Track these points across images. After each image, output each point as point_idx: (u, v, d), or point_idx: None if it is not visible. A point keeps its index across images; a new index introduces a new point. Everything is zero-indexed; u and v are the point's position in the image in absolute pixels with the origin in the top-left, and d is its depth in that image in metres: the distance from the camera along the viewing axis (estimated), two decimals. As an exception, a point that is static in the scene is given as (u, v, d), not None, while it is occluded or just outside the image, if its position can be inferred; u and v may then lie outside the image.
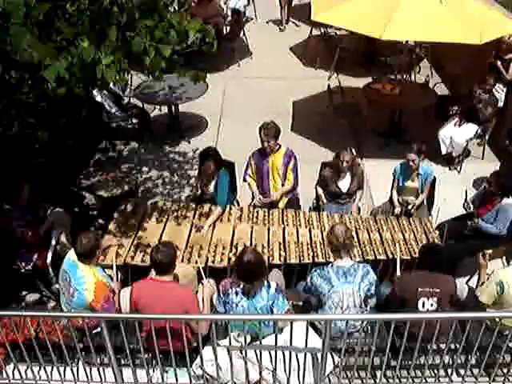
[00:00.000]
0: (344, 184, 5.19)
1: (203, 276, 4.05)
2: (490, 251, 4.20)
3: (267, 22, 10.81)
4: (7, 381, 3.61)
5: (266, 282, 3.67)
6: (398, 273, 4.21)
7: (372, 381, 3.70)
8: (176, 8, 3.46)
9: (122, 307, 3.96)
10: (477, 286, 4.07)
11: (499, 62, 6.70)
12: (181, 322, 3.35)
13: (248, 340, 3.48)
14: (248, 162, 5.29)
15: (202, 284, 4.01)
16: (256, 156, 5.22)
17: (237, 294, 3.67)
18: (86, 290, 3.75)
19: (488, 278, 3.87)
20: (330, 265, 3.84)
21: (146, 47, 3.10)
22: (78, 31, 2.98)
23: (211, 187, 5.06)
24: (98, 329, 3.47)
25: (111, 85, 5.66)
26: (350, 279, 3.73)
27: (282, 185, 5.20)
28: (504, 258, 4.22)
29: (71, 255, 3.90)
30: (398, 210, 5.26)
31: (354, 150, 5.15)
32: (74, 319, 3.60)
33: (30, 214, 4.72)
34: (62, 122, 5.51)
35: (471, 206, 4.96)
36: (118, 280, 4.08)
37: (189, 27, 3.20)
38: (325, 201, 5.29)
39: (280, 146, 5.13)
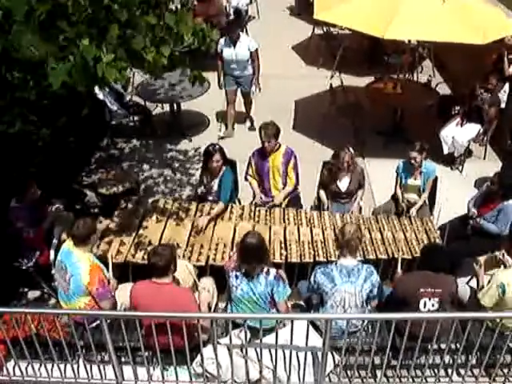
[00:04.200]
0: (343, 184, 5.18)
1: (197, 281, 4.10)
2: (482, 259, 4.19)
3: (269, 21, 10.78)
4: (8, 377, 3.62)
5: (265, 269, 3.72)
6: (399, 270, 4.20)
7: (372, 380, 3.71)
8: (177, 7, 3.44)
9: (119, 302, 3.99)
10: (477, 288, 4.07)
11: (506, 59, 6.66)
12: (180, 321, 3.36)
13: (248, 337, 3.49)
14: (248, 162, 5.28)
15: (199, 291, 4.03)
16: (256, 156, 5.22)
17: (237, 277, 3.76)
18: (80, 273, 3.79)
19: (489, 281, 3.87)
20: (335, 263, 3.85)
21: (147, 45, 3.09)
22: (79, 30, 2.98)
23: (215, 185, 5.05)
24: (97, 321, 3.48)
25: (112, 82, 5.67)
26: (353, 279, 3.73)
27: (284, 184, 5.20)
28: (504, 256, 4.18)
29: (66, 245, 3.96)
30: (401, 204, 5.25)
31: (351, 149, 5.12)
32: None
33: (36, 213, 4.73)
34: (64, 119, 5.51)
35: (475, 212, 4.92)
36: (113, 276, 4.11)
37: (184, 29, 3.16)
38: (328, 205, 5.21)
39: (280, 146, 5.13)
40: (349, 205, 5.24)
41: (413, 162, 5.10)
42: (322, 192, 5.30)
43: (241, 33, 6.73)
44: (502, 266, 4.04)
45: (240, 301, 3.80)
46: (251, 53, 6.72)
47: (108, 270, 4.06)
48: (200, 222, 4.74)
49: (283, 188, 5.22)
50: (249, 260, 3.71)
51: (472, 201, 5.00)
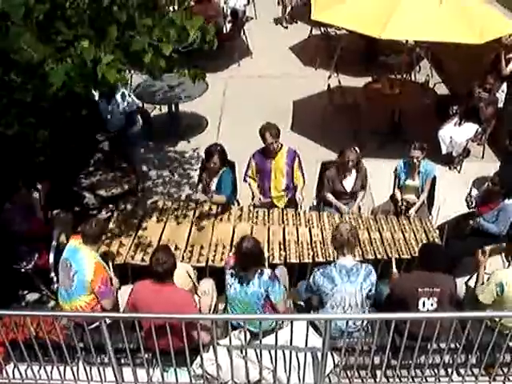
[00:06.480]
0: (349, 183, 5.17)
1: (196, 284, 4.10)
2: (489, 248, 4.20)
3: (267, 22, 10.80)
4: (7, 380, 3.61)
5: (259, 270, 3.72)
6: (394, 270, 4.19)
7: (372, 380, 3.70)
8: (175, 8, 3.44)
9: (120, 304, 3.99)
10: (475, 286, 4.07)
11: (503, 58, 6.65)
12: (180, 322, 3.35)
13: (248, 338, 3.48)
14: (248, 163, 5.26)
15: (198, 295, 4.03)
16: (257, 157, 5.19)
17: (232, 275, 3.79)
18: (85, 269, 3.82)
19: (488, 278, 3.87)
20: (333, 264, 3.84)
21: (146, 46, 3.09)
22: (78, 32, 2.98)
23: (214, 184, 5.05)
24: (97, 323, 3.48)
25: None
26: (353, 279, 3.73)
27: (287, 185, 5.17)
28: (503, 255, 4.20)
29: (72, 243, 3.98)
30: (399, 205, 5.24)
31: (357, 149, 5.12)
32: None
33: (30, 212, 4.72)
34: (63, 121, 5.50)
35: (473, 202, 4.94)
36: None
37: (189, 24, 3.18)
38: (339, 204, 5.16)
39: (282, 146, 5.12)
40: (350, 205, 5.22)
41: (415, 161, 5.09)
42: (329, 194, 5.21)
43: (124, 90, 6.39)
44: (501, 263, 4.05)
45: (233, 300, 3.81)
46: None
47: (110, 269, 4.07)
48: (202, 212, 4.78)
49: (284, 189, 5.20)
50: (245, 264, 3.72)
51: (472, 198, 5.01)
